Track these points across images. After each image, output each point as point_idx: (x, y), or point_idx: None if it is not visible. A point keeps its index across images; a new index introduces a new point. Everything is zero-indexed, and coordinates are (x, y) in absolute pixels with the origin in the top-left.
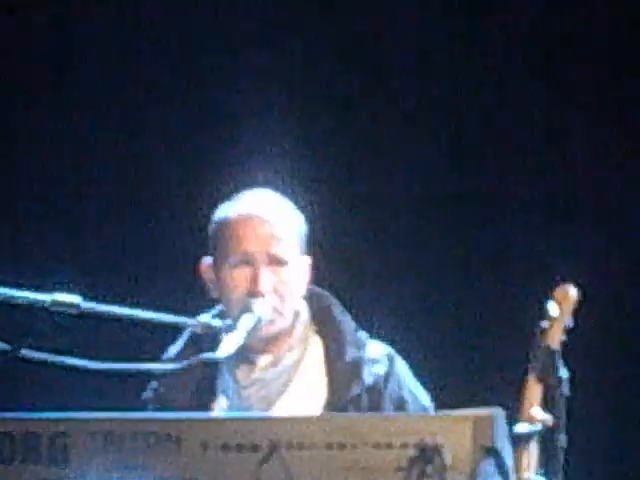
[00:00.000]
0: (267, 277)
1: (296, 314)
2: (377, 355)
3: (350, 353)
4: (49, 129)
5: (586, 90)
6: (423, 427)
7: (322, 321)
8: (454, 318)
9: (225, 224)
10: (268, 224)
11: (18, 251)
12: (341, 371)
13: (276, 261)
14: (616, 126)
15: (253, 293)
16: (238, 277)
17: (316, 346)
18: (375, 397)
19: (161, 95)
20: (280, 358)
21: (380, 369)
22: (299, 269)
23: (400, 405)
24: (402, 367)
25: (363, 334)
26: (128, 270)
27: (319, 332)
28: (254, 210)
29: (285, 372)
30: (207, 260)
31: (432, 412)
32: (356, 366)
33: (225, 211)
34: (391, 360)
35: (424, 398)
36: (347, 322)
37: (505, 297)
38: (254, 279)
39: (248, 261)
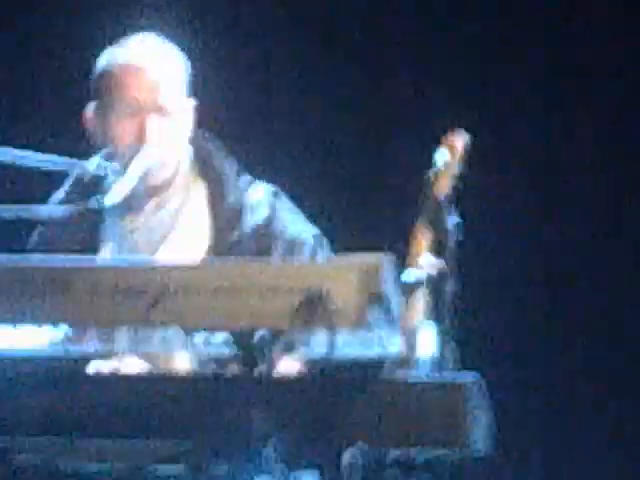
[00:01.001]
0: (153, 127)
1: (180, 159)
2: (259, 199)
3: (231, 198)
4: None
5: None
6: (310, 273)
7: (204, 166)
8: (345, 159)
9: (109, 72)
10: (152, 72)
11: None
12: (223, 216)
13: (161, 109)
14: None
15: (140, 142)
16: (125, 127)
17: (199, 190)
18: (261, 241)
19: None
20: (164, 203)
21: (262, 212)
22: (184, 116)
23: (289, 246)
24: (286, 207)
25: (247, 178)
26: (14, 115)
27: (202, 177)
28: (138, 58)
29: (169, 217)
30: (91, 107)
31: (323, 242)
32: (237, 211)
33: (109, 58)
34: (274, 202)
35: (309, 236)
36: (229, 166)
37: (397, 141)
38: (141, 129)
39: (134, 111)
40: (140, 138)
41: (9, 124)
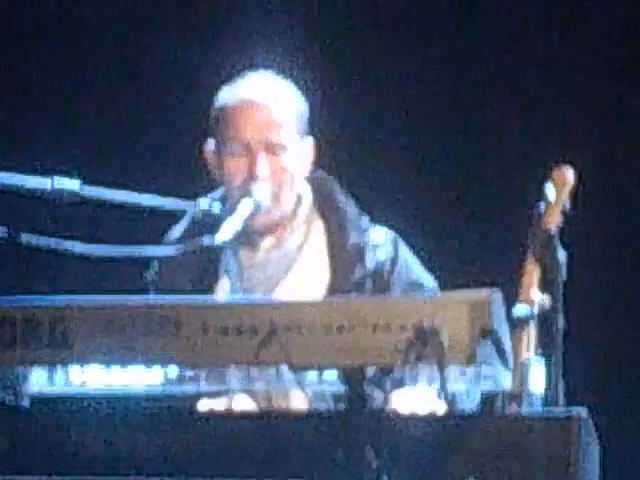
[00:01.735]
0: (264, 164)
1: (298, 198)
2: (380, 240)
3: (353, 238)
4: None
5: None
6: (421, 309)
7: (325, 205)
8: (455, 201)
9: (223, 110)
10: (265, 110)
11: (17, 134)
12: (344, 256)
13: (274, 147)
14: None
15: (250, 180)
16: (236, 165)
17: (319, 230)
18: (380, 282)
19: None
20: (283, 241)
21: (383, 254)
22: (299, 153)
23: (409, 289)
24: (407, 251)
25: (366, 219)
26: (129, 153)
27: (322, 216)
28: (251, 95)
29: (288, 255)
30: (209, 144)
31: (436, 294)
32: (359, 251)
33: (224, 96)
34: (395, 244)
35: (430, 281)
36: (350, 206)
37: (504, 179)
38: (252, 167)
39: (246, 149)
40: (252, 176)
41: (123, 164)
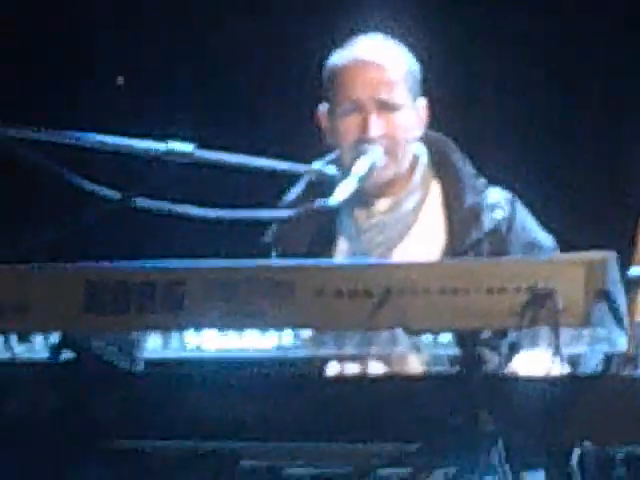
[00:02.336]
0: (377, 123)
1: (414, 158)
2: (497, 200)
3: (469, 198)
4: None
5: None
6: (536, 271)
7: (441, 166)
8: (573, 162)
9: (336, 71)
10: (378, 68)
11: (131, 100)
12: (460, 217)
13: (387, 107)
14: None
15: (364, 140)
16: (349, 125)
17: (435, 191)
18: (497, 242)
19: None
20: (400, 202)
21: (500, 214)
22: (412, 113)
23: (528, 249)
24: (524, 212)
25: (482, 180)
26: (241, 117)
27: (438, 177)
28: (364, 55)
29: (405, 216)
30: (323, 107)
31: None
32: (475, 211)
33: (336, 58)
34: (512, 205)
35: (548, 242)
36: (466, 167)
37: (623, 139)
38: (364, 126)
39: (358, 108)
40: (365, 135)
41: (238, 128)
